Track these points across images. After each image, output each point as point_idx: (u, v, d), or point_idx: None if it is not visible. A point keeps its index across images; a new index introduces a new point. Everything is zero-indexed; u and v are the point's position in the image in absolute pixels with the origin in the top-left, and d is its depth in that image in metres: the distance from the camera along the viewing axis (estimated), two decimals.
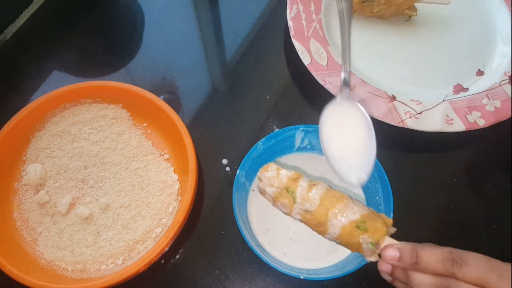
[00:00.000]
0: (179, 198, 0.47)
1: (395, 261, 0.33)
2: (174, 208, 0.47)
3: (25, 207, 0.47)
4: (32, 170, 0.48)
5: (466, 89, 0.55)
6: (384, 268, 0.35)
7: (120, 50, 0.60)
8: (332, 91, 0.51)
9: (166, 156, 0.51)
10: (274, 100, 0.56)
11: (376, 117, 0.49)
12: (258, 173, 0.39)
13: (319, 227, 0.37)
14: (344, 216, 0.35)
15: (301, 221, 0.38)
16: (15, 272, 0.41)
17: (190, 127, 0.49)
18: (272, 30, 0.62)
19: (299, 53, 0.54)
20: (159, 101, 0.49)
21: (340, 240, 0.36)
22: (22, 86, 0.57)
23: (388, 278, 0.36)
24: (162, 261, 0.45)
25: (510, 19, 0.60)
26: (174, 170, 0.49)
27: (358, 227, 0.35)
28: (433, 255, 0.32)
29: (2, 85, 0.56)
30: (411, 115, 0.50)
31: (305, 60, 0.53)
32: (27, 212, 0.47)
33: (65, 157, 0.50)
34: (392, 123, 0.49)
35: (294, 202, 0.37)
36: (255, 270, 0.45)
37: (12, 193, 0.48)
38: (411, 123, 0.49)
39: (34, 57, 0.59)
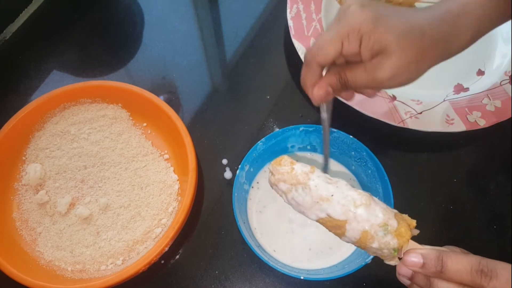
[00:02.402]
0: (179, 198, 0.47)
1: (418, 268, 0.31)
2: (174, 208, 0.47)
3: (25, 207, 0.47)
4: (32, 170, 0.47)
5: (467, 89, 0.55)
6: (404, 272, 0.33)
7: (119, 50, 0.60)
8: None
9: (166, 156, 0.50)
10: (274, 100, 0.56)
11: (376, 117, 0.49)
12: (270, 166, 0.37)
13: (336, 229, 0.34)
14: (365, 219, 0.33)
15: (317, 221, 0.36)
16: (15, 272, 0.40)
17: (190, 127, 0.49)
18: (272, 29, 0.62)
19: (299, 53, 0.54)
20: (158, 101, 0.49)
21: (359, 244, 0.34)
22: (22, 86, 0.57)
23: (406, 282, 0.34)
24: (162, 261, 0.45)
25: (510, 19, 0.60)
26: (174, 170, 0.49)
27: (380, 232, 0.32)
28: (460, 264, 0.30)
29: (2, 85, 0.56)
30: (412, 115, 0.50)
31: None
32: (27, 212, 0.47)
33: (64, 157, 0.50)
34: (393, 123, 0.49)
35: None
36: (255, 270, 0.45)
37: (11, 193, 0.48)
38: (412, 123, 0.49)
39: (34, 57, 0.59)
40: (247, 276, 0.45)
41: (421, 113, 0.51)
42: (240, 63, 0.59)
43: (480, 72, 0.57)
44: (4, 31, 0.60)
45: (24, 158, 0.50)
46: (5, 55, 0.59)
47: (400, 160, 0.52)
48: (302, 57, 0.53)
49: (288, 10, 0.57)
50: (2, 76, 0.57)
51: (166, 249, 0.43)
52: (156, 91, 0.51)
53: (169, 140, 0.51)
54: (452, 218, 0.49)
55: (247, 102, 0.56)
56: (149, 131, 0.52)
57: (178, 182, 0.48)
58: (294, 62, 0.56)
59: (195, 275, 0.45)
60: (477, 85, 0.55)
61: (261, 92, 0.56)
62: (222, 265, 0.45)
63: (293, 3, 0.58)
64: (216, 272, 0.45)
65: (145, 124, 0.52)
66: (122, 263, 0.44)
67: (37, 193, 0.47)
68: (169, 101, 0.50)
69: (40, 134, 0.51)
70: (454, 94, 0.54)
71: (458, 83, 0.55)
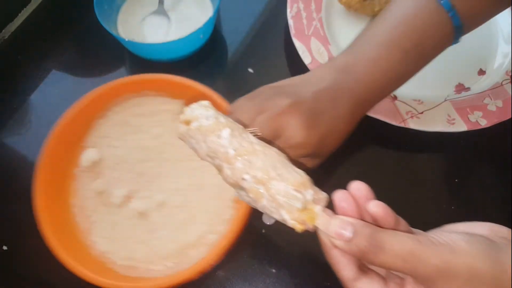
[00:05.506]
0: (236, 206, 0.44)
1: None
2: (230, 215, 0.44)
3: (82, 194, 0.46)
4: (91, 157, 0.47)
5: (468, 89, 0.54)
6: None
7: (119, 50, 0.60)
8: None
9: None
10: None
11: (377, 117, 0.49)
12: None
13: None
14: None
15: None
16: (68, 259, 0.40)
17: None
18: (272, 29, 0.61)
19: (300, 52, 0.53)
20: (224, 103, 0.47)
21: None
22: (21, 85, 0.56)
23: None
24: None
25: (511, 19, 0.59)
26: None
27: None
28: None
29: (1, 84, 0.56)
30: (413, 115, 0.50)
31: (306, 59, 0.53)
32: (84, 199, 0.46)
33: (124, 147, 0.48)
34: (394, 123, 0.49)
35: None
36: (255, 271, 0.45)
37: (71, 178, 0.47)
38: (413, 123, 0.49)
39: (33, 57, 0.58)
40: (247, 277, 0.45)
41: (422, 112, 0.50)
42: (240, 63, 0.59)
43: (481, 72, 0.56)
44: (3, 31, 0.60)
45: (84, 144, 0.49)
46: (4, 54, 0.58)
47: (401, 160, 0.52)
48: (302, 56, 0.53)
49: (288, 10, 0.57)
50: (1, 76, 0.57)
51: (220, 259, 0.41)
52: None
53: None
54: (453, 218, 0.48)
55: None
56: None
57: None
58: (294, 62, 0.56)
59: None
60: (478, 85, 0.55)
61: None
62: (222, 265, 0.45)
63: (293, 2, 0.58)
64: (216, 272, 0.45)
65: None
66: (173, 266, 0.43)
67: (94, 181, 0.47)
68: None
69: (102, 122, 0.49)
70: (455, 94, 0.54)
71: (459, 83, 0.55)
